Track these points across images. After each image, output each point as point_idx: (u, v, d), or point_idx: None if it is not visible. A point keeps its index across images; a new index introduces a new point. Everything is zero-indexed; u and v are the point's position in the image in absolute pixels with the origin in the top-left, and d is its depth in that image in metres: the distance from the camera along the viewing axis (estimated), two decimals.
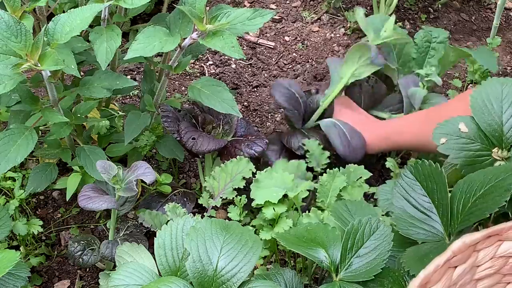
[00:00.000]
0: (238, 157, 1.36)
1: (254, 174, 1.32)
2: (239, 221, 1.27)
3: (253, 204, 1.22)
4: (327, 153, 1.44)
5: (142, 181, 1.22)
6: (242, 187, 1.33)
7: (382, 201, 1.17)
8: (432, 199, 1.01)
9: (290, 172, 1.37)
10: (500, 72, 1.90)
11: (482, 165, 1.05)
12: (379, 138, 1.47)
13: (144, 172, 1.15)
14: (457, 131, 1.07)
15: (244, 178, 1.33)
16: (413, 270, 0.91)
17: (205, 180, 1.36)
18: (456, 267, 0.86)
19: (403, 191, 1.04)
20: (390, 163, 1.38)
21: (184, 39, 1.19)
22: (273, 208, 1.20)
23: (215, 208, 1.36)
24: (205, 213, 1.35)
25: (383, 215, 1.23)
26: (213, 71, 1.83)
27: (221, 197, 1.34)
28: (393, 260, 1.01)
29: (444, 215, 0.99)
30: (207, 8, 1.17)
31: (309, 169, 1.41)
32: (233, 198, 1.31)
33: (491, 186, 0.94)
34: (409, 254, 0.96)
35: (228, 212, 1.30)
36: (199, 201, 1.36)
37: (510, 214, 0.99)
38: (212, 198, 1.35)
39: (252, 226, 1.24)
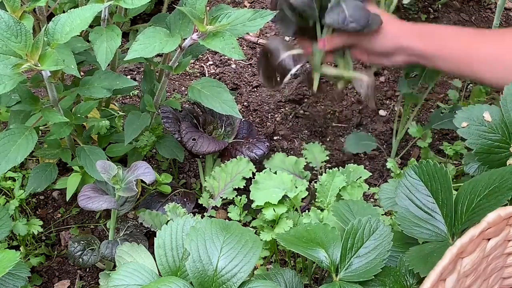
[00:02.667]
0: (238, 157, 1.36)
1: (254, 174, 1.32)
2: (239, 221, 1.27)
3: (253, 205, 1.22)
4: (326, 152, 1.45)
5: (142, 181, 1.22)
6: (242, 187, 1.33)
7: (384, 199, 1.17)
8: (436, 199, 1.01)
9: (287, 168, 1.38)
10: None
11: (497, 156, 1.07)
12: (412, 32, 1.27)
13: (144, 172, 1.15)
14: (480, 118, 1.08)
15: (244, 178, 1.34)
16: (417, 269, 0.91)
17: (205, 180, 1.37)
18: (489, 239, 0.86)
19: (407, 191, 1.04)
20: (390, 163, 1.38)
21: (185, 39, 1.19)
22: (273, 209, 1.21)
23: (215, 208, 1.36)
24: (205, 213, 1.35)
25: (383, 214, 1.24)
26: (213, 71, 1.83)
27: (221, 197, 1.34)
28: (393, 260, 1.01)
29: (448, 215, 0.99)
30: (207, 8, 1.17)
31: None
32: (233, 198, 1.32)
33: (495, 186, 0.95)
34: (412, 253, 0.96)
35: (228, 212, 1.30)
36: (199, 201, 1.36)
37: None
38: (212, 198, 1.35)
39: (253, 227, 1.25)
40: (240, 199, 1.29)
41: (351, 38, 1.32)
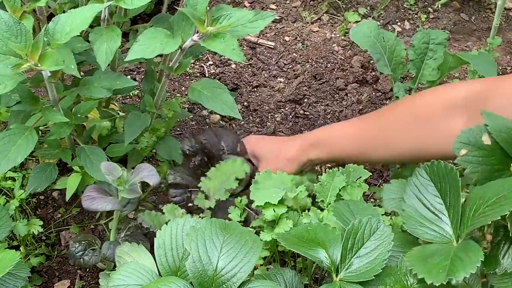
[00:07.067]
0: (232, 158, 1.36)
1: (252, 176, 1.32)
2: (240, 222, 1.27)
3: (253, 205, 1.22)
4: None
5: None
6: (235, 187, 1.32)
7: (387, 200, 1.15)
8: (444, 201, 1.00)
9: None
10: (500, 72, 1.90)
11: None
12: (303, 148, 1.35)
13: (148, 174, 1.14)
14: (479, 141, 1.03)
15: (237, 179, 1.33)
16: (415, 269, 0.91)
17: (200, 181, 1.36)
18: None
19: (416, 190, 1.03)
20: None
21: (185, 40, 1.19)
22: (273, 209, 1.20)
23: (210, 209, 1.34)
24: (200, 214, 1.35)
25: (382, 214, 1.23)
26: (213, 71, 1.83)
27: (215, 199, 1.33)
28: (394, 259, 1.01)
29: (454, 217, 0.98)
30: (208, 8, 1.16)
31: None
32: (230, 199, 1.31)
33: (504, 195, 0.93)
34: (414, 254, 0.95)
35: (228, 213, 1.30)
36: (195, 202, 1.36)
37: (509, 226, 0.97)
38: (207, 199, 1.34)
39: (252, 227, 1.24)
40: (241, 200, 1.28)
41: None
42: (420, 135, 1.23)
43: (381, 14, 2.04)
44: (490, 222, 0.93)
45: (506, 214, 0.90)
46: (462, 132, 1.05)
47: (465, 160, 1.03)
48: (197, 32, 1.15)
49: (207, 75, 1.82)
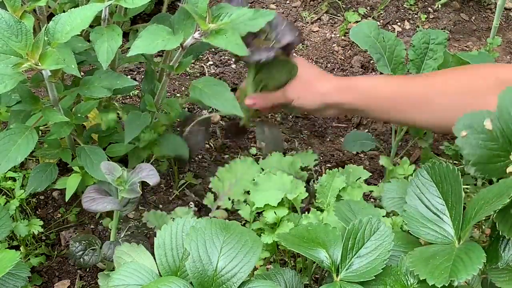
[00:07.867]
0: (242, 157, 1.36)
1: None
2: (249, 220, 1.27)
3: (253, 208, 1.22)
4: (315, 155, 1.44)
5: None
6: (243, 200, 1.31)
7: (387, 200, 1.15)
8: (446, 201, 1.00)
9: (284, 168, 1.36)
10: None
11: (496, 165, 1.02)
12: (339, 88, 1.27)
13: (148, 174, 1.14)
14: (481, 125, 1.02)
15: (244, 191, 1.31)
16: (417, 270, 0.91)
17: (210, 181, 1.36)
18: None
19: (418, 191, 1.03)
20: (383, 160, 1.39)
21: (186, 39, 1.19)
22: (274, 212, 1.20)
23: (220, 208, 1.34)
24: (210, 214, 1.35)
25: (384, 216, 1.23)
26: (213, 71, 1.83)
27: (229, 199, 1.32)
28: (394, 259, 1.01)
29: (456, 218, 0.98)
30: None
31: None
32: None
33: (503, 194, 0.92)
34: (416, 254, 0.95)
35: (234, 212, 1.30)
36: (204, 202, 1.36)
37: (497, 225, 0.96)
38: (216, 200, 1.34)
39: (253, 230, 1.24)
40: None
41: (281, 97, 1.33)
42: (464, 106, 1.17)
43: (381, 14, 2.04)
44: (484, 218, 0.93)
45: (495, 212, 0.90)
46: (465, 115, 1.03)
47: (465, 142, 1.02)
48: (198, 30, 1.15)
49: (207, 75, 1.82)
